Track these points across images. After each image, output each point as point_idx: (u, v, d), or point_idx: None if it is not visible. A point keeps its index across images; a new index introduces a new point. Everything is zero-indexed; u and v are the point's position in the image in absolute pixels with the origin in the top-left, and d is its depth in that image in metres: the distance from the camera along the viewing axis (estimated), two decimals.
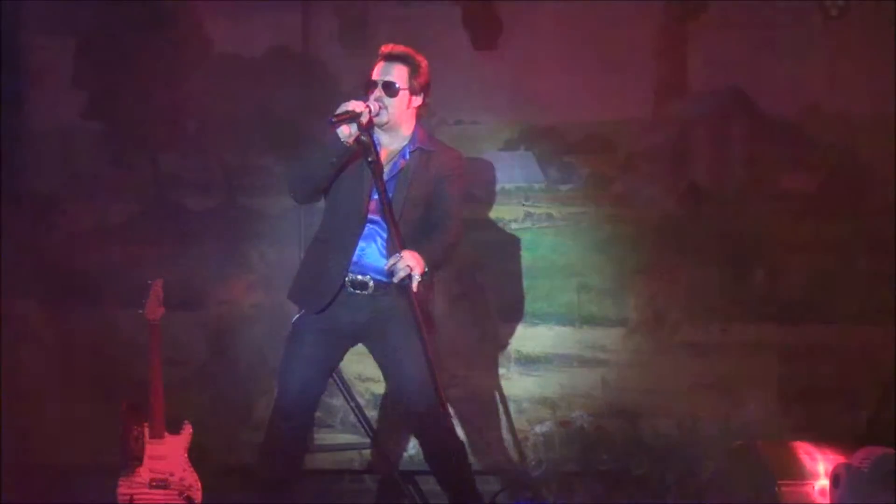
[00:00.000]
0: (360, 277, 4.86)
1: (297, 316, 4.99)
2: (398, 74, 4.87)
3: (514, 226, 6.45)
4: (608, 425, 6.41)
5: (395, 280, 4.67)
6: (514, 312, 6.44)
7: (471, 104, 6.39)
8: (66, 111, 6.54)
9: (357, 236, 4.87)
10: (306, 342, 4.93)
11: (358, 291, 4.85)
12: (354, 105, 4.70)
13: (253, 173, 6.52)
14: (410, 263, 4.65)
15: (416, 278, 4.66)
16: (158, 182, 6.57)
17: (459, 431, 5.47)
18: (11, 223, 6.42)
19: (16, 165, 6.47)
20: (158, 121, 6.56)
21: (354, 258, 4.87)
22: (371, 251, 4.88)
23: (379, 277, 4.85)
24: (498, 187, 6.46)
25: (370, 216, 4.87)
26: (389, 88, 4.85)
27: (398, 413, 5.41)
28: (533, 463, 6.36)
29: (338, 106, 4.69)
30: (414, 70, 4.89)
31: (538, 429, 6.44)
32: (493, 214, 6.46)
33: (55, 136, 6.52)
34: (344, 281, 4.87)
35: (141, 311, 5.50)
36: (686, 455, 6.33)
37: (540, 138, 6.48)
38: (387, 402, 6.33)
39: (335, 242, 4.92)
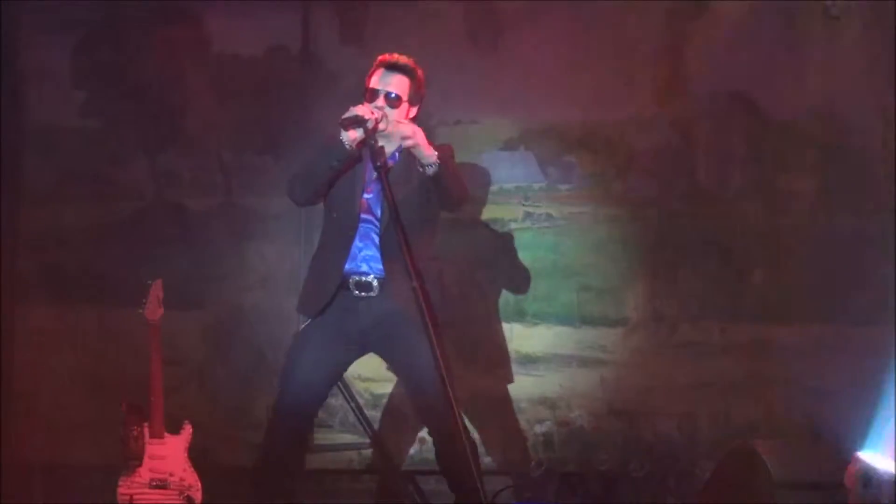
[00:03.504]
0: (364, 279, 4.84)
1: (308, 321, 4.99)
2: (400, 85, 4.84)
3: (513, 226, 6.45)
4: (608, 425, 6.40)
5: (405, 146, 4.66)
6: (513, 312, 6.44)
7: (471, 104, 6.37)
8: (65, 111, 6.53)
9: (352, 238, 4.84)
10: (312, 346, 4.90)
11: (363, 294, 4.82)
12: (363, 110, 4.66)
13: (253, 173, 6.51)
14: (407, 132, 4.66)
15: (430, 160, 4.63)
16: (157, 182, 6.56)
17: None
18: (11, 223, 6.42)
19: (16, 165, 6.47)
20: (158, 120, 6.55)
21: (355, 259, 4.85)
22: (369, 251, 4.87)
23: (382, 276, 4.84)
24: (498, 187, 6.45)
25: (362, 216, 4.86)
26: (391, 99, 4.83)
27: (413, 410, 5.39)
28: (532, 463, 6.36)
29: (345, 109, 4.67)
30: (414, 81, 4.87)
31: (538, 429, 6.43)
32: (492, 214, 6.45)
33: (55, 136, 6.52)
34: (347, 282, 4.85)
35: (141, 312, 5.49)
36: (686, 455, 6.32)
37: (540, 138, 6.47)
38: (389, 402, 6.34)
39: (332, 245, 4.90)
